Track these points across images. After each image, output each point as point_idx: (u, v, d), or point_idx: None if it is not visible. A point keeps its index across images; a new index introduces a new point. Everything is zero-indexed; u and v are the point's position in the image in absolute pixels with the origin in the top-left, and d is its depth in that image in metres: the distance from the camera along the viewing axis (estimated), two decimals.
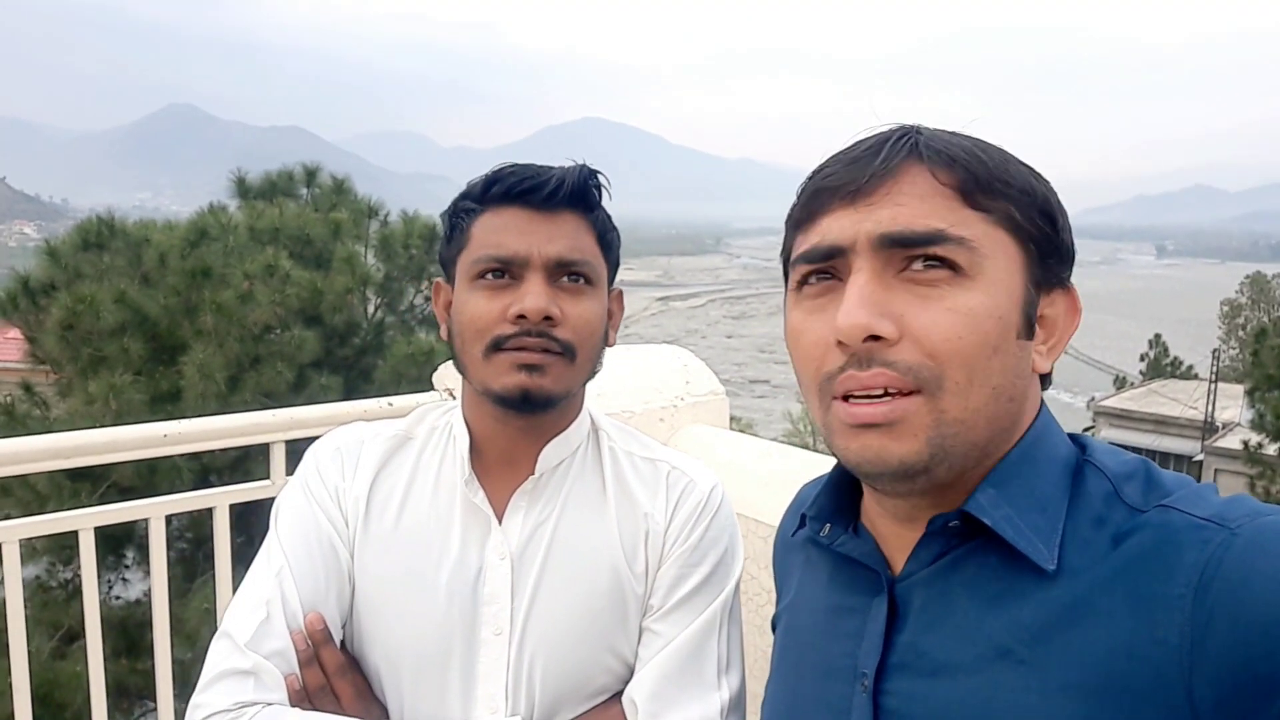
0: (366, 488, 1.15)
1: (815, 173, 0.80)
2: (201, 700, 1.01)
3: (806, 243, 0.78)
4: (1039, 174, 0.78)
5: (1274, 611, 0.62)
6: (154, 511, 1.81)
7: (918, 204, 0.73)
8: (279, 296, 8.21)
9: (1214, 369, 30.56)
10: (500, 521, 1.14)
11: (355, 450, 1.18)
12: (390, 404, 1.90)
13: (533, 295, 1.07)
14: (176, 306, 8.81)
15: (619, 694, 1.13)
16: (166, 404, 8.19)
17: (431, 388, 2.13)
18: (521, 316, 1.07)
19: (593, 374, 1.18)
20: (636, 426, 2.15)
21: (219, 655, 1.04)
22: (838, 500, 0.88)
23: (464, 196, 1.15)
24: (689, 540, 1.15)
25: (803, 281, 0.79)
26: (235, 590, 1.13)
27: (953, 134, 0.77)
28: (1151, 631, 0.66)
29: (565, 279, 1.11)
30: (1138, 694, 0.65)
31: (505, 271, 1.10)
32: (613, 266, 1.20)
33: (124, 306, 8.88)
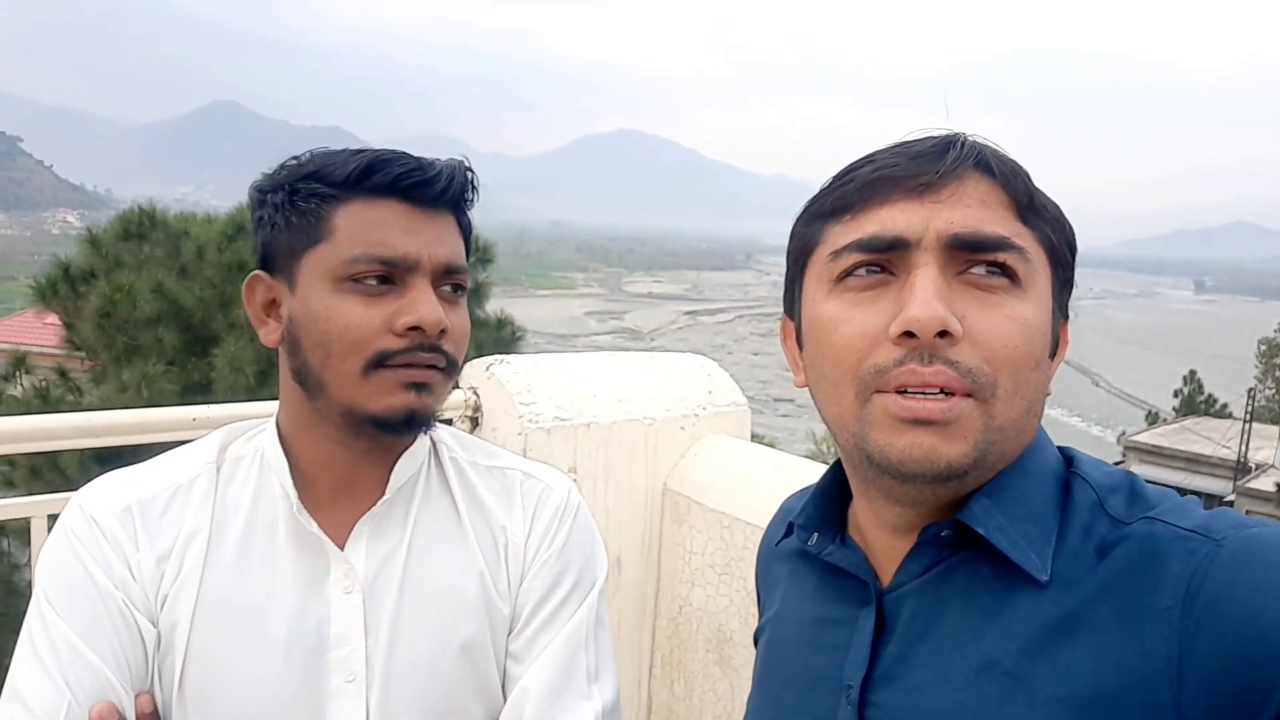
0: (166, 547, 0.96)
1: (866, 162, 0.77)
2: None
3: (859, 231, 0.75)
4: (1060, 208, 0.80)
5: (1260, 622, 0.62)
6: (35, 510, 1.62)
7: (983, 210, 0.73)
8: None
9: (1249, 408, 30.03)
10: (342, 550, 0.99)
11: (142, 507, 0.98)
12: None
13: (428, 306, 0.94)
14: (211, 299, 8.95)
15: None
16: (197, 395, 8.31)
17: (456, 385, 2.15)
18: (415, 329, 0.93)
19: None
20: (656, 434, 2.18)
21: None
22: (826, 509, 0.87)
23: (311, 177, 0.97)
24: (551, 549, 1.06)
25: (848, 271, 0.76)
26: None
27: (998, 149, 0.78)
28: (1139, 643, 0.66)
29: (447, 287, 0.99)
30: (1126, 706, 0.65)
31: (388, 276, 0.95)
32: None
33: (161, 297, 9.02)
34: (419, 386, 0.95)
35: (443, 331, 0.96)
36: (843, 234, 0.76)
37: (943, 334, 0.70)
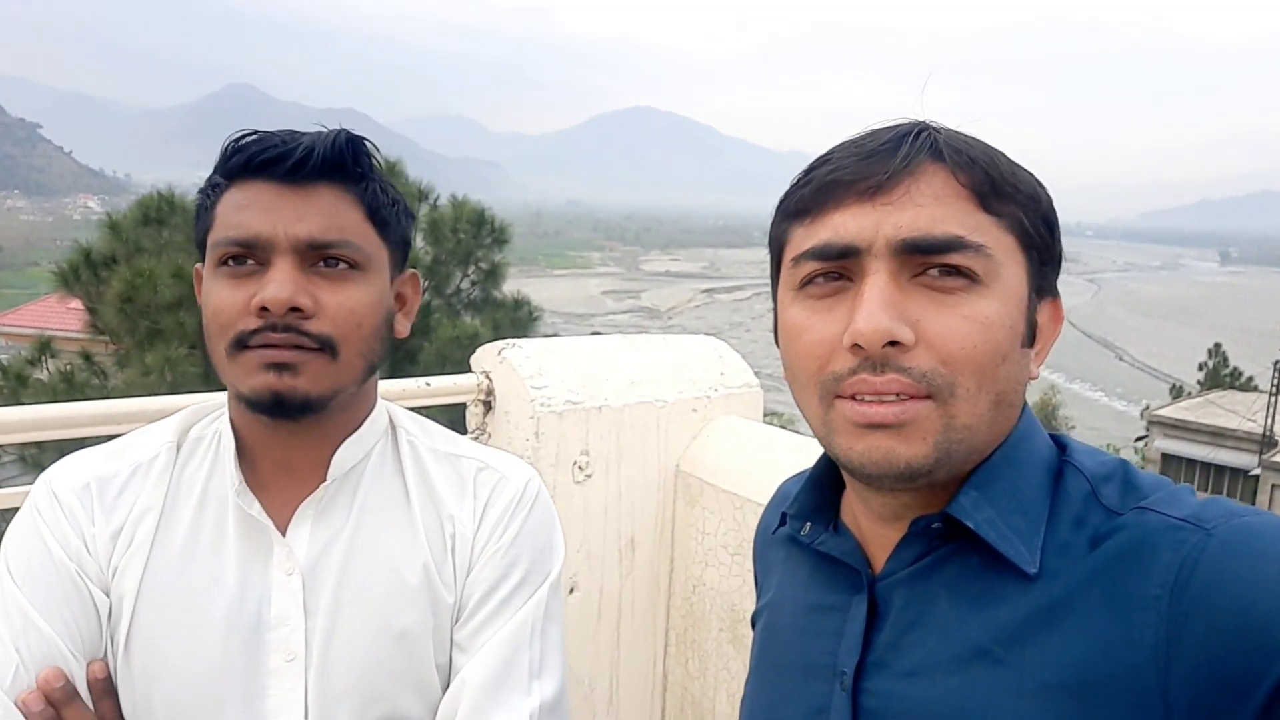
0: (120, 521, 1.00)
1: (822, 162, 0.77)
2: None
3: (814, 238, 0.75)
4: (1039, 180, 0.77)
5: (1249, 611, 0.63)
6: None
7: (937, 206, 0.72)
8: None
9: (1275, 381, 29.68)
10: (284, 534, 1.00)
11: (101, 484, 1.01)
12: (429, 384, 1.94)
13: (275, 284, 0.92)
14: None
15: None
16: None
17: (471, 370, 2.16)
18: (264, 309, 0.93)
19: (371, 369, 1.03)
20: (668, 416, 2.19)
21: None
22: (819, 498, 0.87)
23: (214, 171, 1.01)
24: (501, 540, 1.04)
25: (808, 279, 0.76)
26: None
27: (964, 135, 0.76)
28: (1127, 632, 0.66)
29: (321, 264, 0.96)
30: (1113, 693, 0.66)
31: (248, 256, 0.95)
32: (396, 246, 1.04)
33: (181, 281, 9.09)
34: (279, 367, 0.93)
35: (295, 310, 0.93)
36: (802, 238, 0.77)
37: (894, 343, 0.70)
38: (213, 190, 0.99)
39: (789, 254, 0.79)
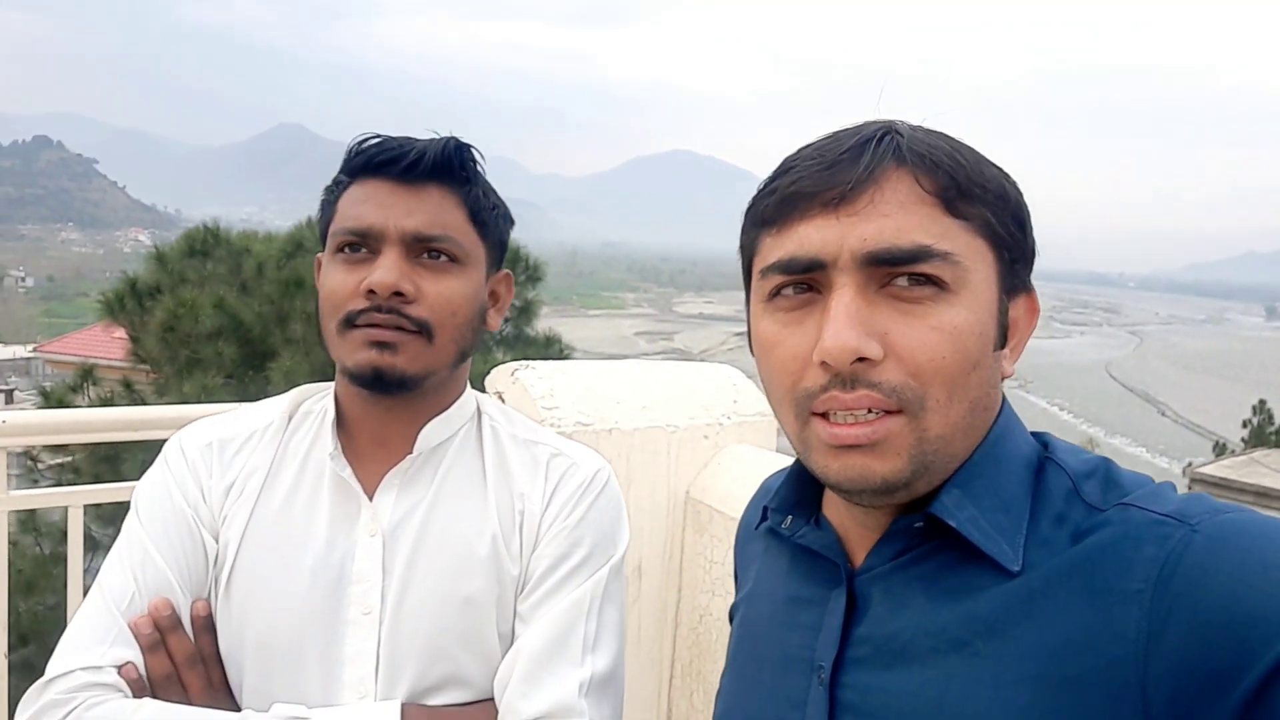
0: (234, 477, 1.12)
1: (787, 168, 0.76)
2: (46, 700, 0.97)
3: (781, 250, 0.75)
4: (1008, 174, 0.77)
5: (1232, 607, 0.63)
6: (73, 500, 1.74)
7: (901, 215, 0.71)
8: None
9: None
10: (371, 499, 1.10)
11: (221, 444, 1.14)
12: None
13: (382, 269, 1.04)
14: (269, 314, 9.19)
15: (491, 699, 1.09)
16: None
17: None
18: (372, 291, 1.04)
19: (463, 356, 1.13)
20: (679, 441, 2.19)
21: (70, 647, 1.01)
22: (800, 492, 0.87)
23: (339, 172, 1.13)
24: (568, 520, 1.12)
25: (775, 291, 0.76)
26: None
27: (930, 132, 0.75)
28: (1109, 625, 0.66)
29: (425, 255, 1.07)
30: (1091, 685, 0.66)
31: (362, 245, 1.07)
32: (494, 246, 1.15)
33: (222, 312, 9.29)
34: (381, 345, 1.04)
35: (398, 294, 1.04)
36: (770, 249, 0.77)
37: (863, 359, 0.70)
38: (336, 187, 1.12)
39: (758, 264, 0.79)
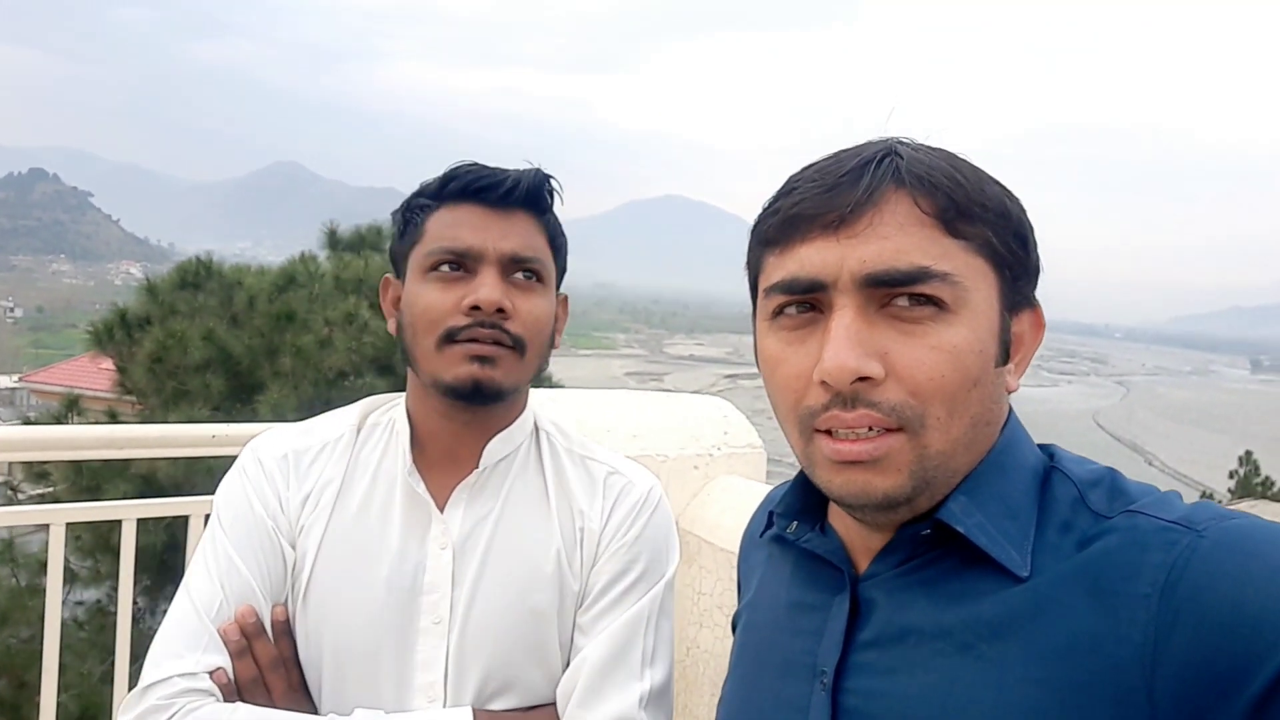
0: (309, 488, 1.15)
1: (790, 189, 0.77)
2: (148, 704, 1.01)
3: (783, 270, 0.76)
4: (1010, 191, 0.77)
5: (1238, 612, 0.63)
6: (127, 513, 1.78)
7: (901, 236, 0.72)
8: (355, 344, 8.49)
9: None
10: (441, 511, 1.15)
11: (296, 455, 1.18)
12: None
13: (487, 287, 1.09)
14: (259, 347, 9.17)
15: (553, 703, 1.14)
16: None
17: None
18: (475, 308, 1.08)
19: (539, 372, 1.18)
20: (670, 471, 2.18)
21: (165, 653, 1.04)
22: (805, 498, 0.88)
23: (419, 194, 1.17)
24: (625, 538, 1.17)
25: (779, 310, 0.77)
26: None
27: (931, 151, 0.76)
28: (1115, 628, 0.66)
29: (519, 274, 1.13)
30: (1097, 689, 0.65)
31: (460, 264, 1.11)
32: (561, 270, 1.22)
33: (210, 344, 9.26)
34: (482, 359, 1.09)
35: (500, 311, 1.09)
36: (773, 269, 0.78)
37: (864, 378, 0.71)
38: (421, 210, 1.16)
39: (762, 283, 0.80)
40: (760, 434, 2.27)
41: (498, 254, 1.11)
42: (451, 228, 1.13)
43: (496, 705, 1.12)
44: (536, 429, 1.24)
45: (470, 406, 1.12)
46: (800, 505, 0.88)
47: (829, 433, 0.74)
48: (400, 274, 1.19)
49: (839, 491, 0.75)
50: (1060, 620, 0.68)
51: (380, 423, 1.22)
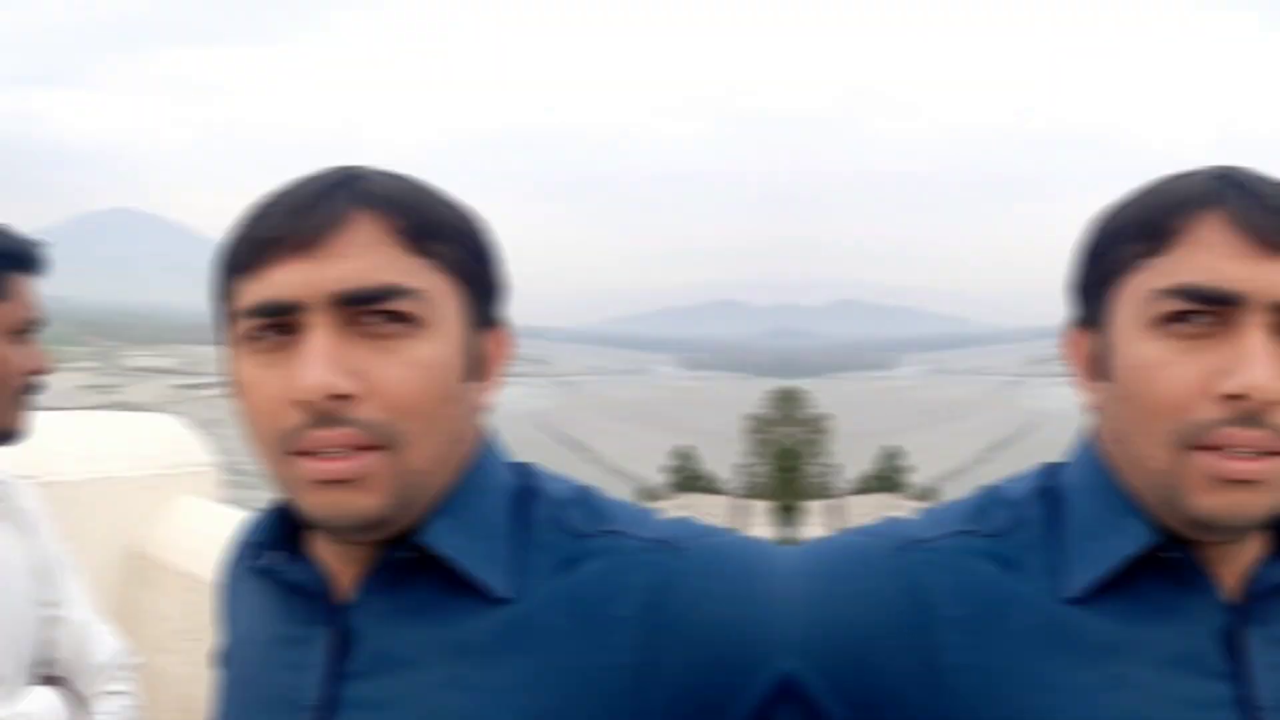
0: None
1: (257, 215, 0.76)
2: None
3: (255, 294, 0.73)
4: (472, 213, 0.79)
5: (721, 632, 0.65)
6: None
7: (368, 255, 0.72)
8: None
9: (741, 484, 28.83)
10: None
11: None
12: None
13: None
14: None
15: None
16: None
17: None
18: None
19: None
20: (123, 493, 2.11)
21: None
22: (283, 526, 0.81)
23: None
24: None
25: (252, 335, 0.74)
26: None
27: (391, 176, 0.77)
28: (601, 655, 0.67)
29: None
30: (585, 717, 0.66)
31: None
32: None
33: None
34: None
35: (339, 396, 0.80)
36: (246, 293, 0.75)
37: (338, 396, 0.69)
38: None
39: (233, 309, 0.77)
40: (220, 443, 2.27)
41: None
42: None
43: None
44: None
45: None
46: (278, 533, 0.83)
47: (307, 454, 0.73)
48: None
49: (320, 512, 0.72)
50: (545, 646, 0.68)
51: None
